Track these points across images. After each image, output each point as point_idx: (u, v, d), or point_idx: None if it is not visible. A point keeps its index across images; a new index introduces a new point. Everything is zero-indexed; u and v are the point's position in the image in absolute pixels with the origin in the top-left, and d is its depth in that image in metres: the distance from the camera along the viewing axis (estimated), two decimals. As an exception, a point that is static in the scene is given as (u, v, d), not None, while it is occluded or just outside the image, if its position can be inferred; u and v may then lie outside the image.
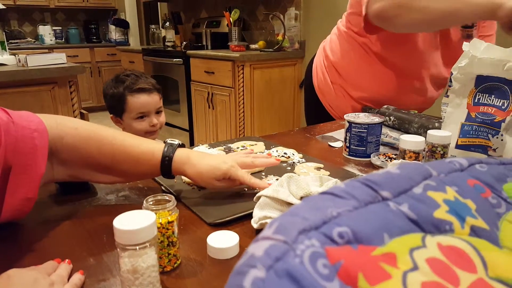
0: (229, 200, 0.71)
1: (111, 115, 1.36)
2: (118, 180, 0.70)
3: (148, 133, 1.32)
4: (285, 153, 0.95)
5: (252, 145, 1.03)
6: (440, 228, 0.24)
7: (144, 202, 0.50)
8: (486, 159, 0.31)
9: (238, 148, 1.00)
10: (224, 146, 1.02)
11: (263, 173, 0.84)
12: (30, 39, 4.82)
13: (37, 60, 1.90)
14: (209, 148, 0.99)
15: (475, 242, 0.23)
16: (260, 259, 0.20)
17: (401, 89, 1.26)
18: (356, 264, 0.20)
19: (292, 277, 0.19)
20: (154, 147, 0.68)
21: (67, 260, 0.53)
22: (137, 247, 0.43)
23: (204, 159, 0.69)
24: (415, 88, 1.27)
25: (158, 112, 1.35)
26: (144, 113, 1.31)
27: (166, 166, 0.68)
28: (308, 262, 0.19)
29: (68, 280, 0.49)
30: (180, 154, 0.68)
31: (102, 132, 0.67)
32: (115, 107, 1.32)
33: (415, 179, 0.27)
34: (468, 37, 1.14)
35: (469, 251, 0.22)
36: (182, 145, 0.71)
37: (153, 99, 1.32)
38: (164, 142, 0.70)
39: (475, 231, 0.25)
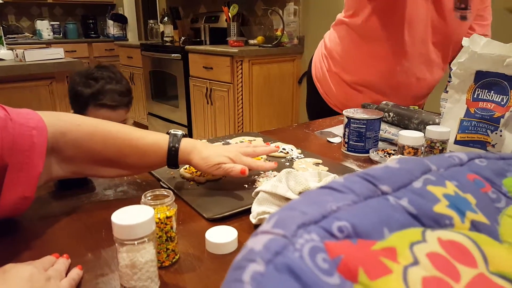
0: (227, 195, 0.71)
1: (72, 110, 1.24)
2: (123, 173, 0.71)
3: None
4: (283, 149, 0.95)
5: (251, 140, 1.03)
6: (440, 222, 0.24)
7: (143, 197, 0.50)
8: (486, 154, 0.31)
9: (236, 143, 1.00)
10: (223, 142, 1.02)
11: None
12: (28, 34, 4.78)
13: (35, 55, 1.89)
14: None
15: (475, 236, 0.23)
16: (259, 253, 0.20)
17: (390, 70, 1.28)
18: (356, 258, 0.20)
19: (292, 271, 0.19)
20: (159, 139, 0.69)
21: (65, 255, 0.52)
22: (136, 242, 0.43)
23: (209, 148, 0.72)
24: (404, 68, 1.27)
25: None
26: None
27: (173, 156, 0.69)
28: (307, 257, 0.19)
29: (66, 275, 0.49)
30: (186, 144, 0.70)
31: (105, 127, 0.67)
32: (75, 106, 1.22)
33: (414, 174, 0.26)
34: (462, 19, 1.14)
35: (469, 245, 0.22)
36: (185, 136, 0.72)
37: (117, 115, 1.21)
38: (168, 133, 0.71)
39: (475, 226, 0.24)
